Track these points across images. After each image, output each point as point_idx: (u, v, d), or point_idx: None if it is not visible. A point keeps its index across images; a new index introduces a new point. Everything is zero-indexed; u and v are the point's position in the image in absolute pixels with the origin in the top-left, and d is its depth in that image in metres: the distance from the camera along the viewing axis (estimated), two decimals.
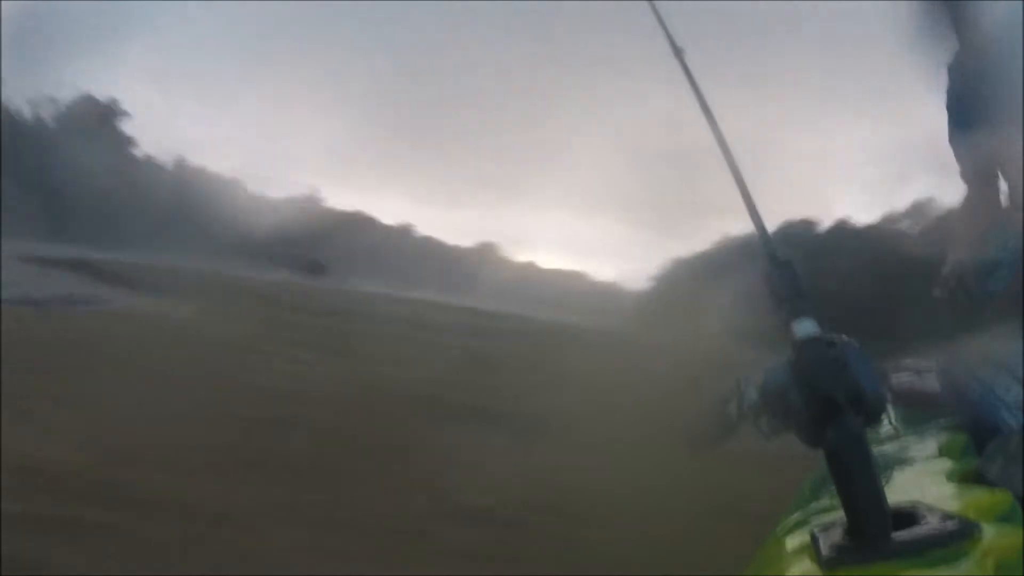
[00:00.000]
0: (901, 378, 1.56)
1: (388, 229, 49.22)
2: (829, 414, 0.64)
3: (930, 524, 0.63)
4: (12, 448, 3.73)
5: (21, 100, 42.62)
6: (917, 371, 1.58)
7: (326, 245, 38.49)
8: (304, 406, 5.90)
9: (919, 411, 1.40)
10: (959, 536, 0.61)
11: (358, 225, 46.86)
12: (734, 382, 0.73)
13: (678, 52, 0.97)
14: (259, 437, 4.69)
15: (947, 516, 0.64)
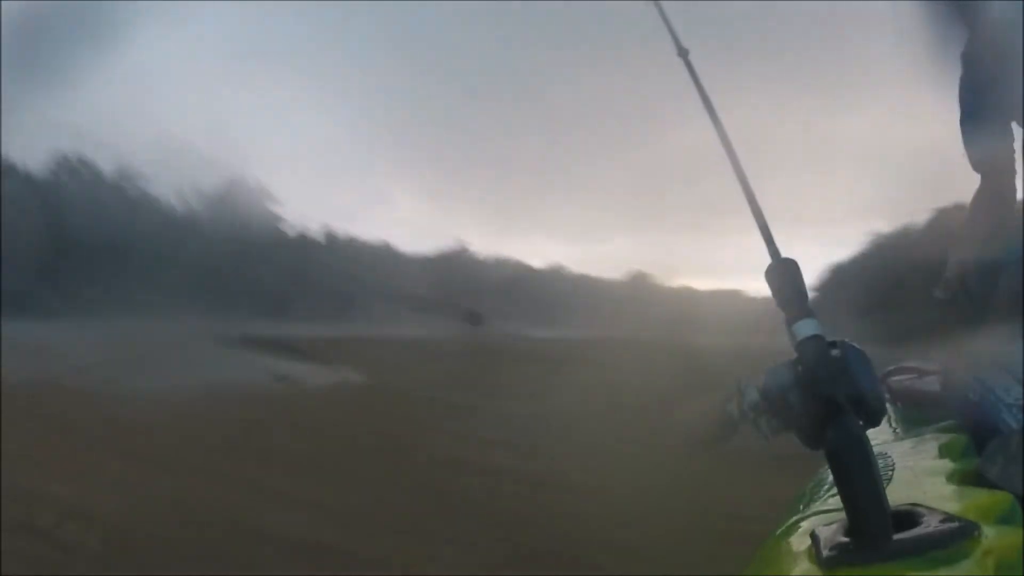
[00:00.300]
0: (901, 378, 1.56)
1: (539, 271, 48.89)
2: (830, 414, 0.64)
3: (930, 525, 0.63)
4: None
5: (168, 192, 44.82)
6: (917, 371, 1.58)
7: (480, 294, 38.44)
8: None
9: (919, 411, 1.39)
10: (959, 537, 0.61)
11: (509, 270, 46.86)
12: (735, 382, 0.73)
13: (683, 52, 0.97)
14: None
15: (947, 517, 0.64)
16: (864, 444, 0.64)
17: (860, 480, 0.63)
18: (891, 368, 1.59)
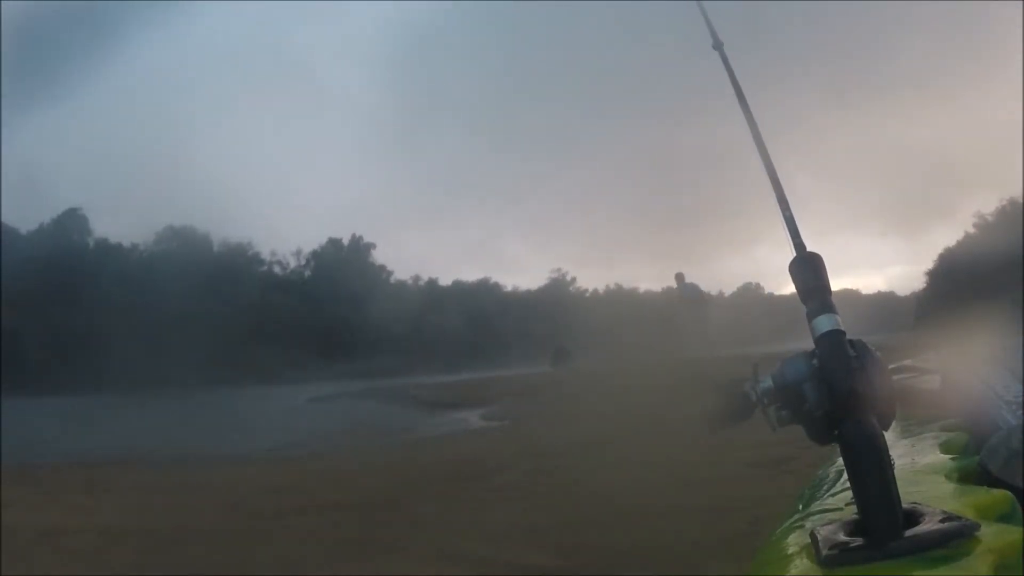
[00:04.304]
0: (901, 377, 1.56)
1: (652, 295, 48.42)
2: (844, 410, 0.64)
3: (930, 524, 0.63)
4: None
5: (273, 264, 49.13)
6: (917, 370, 1.58)
7: (586, 325, 37.85)
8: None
9: (919, 411, 1.39)
10: (959, 535, 0.60)
11: (616, 297, 46.47)
12: (752, 366, 0.73)
13: (718, 45, 0.98)
14: None
15: (947, 516, 0.64)
16: (880, 442, 0.64)
17: (874, 477, 0.63)
18: (891, 367, 1.59)
